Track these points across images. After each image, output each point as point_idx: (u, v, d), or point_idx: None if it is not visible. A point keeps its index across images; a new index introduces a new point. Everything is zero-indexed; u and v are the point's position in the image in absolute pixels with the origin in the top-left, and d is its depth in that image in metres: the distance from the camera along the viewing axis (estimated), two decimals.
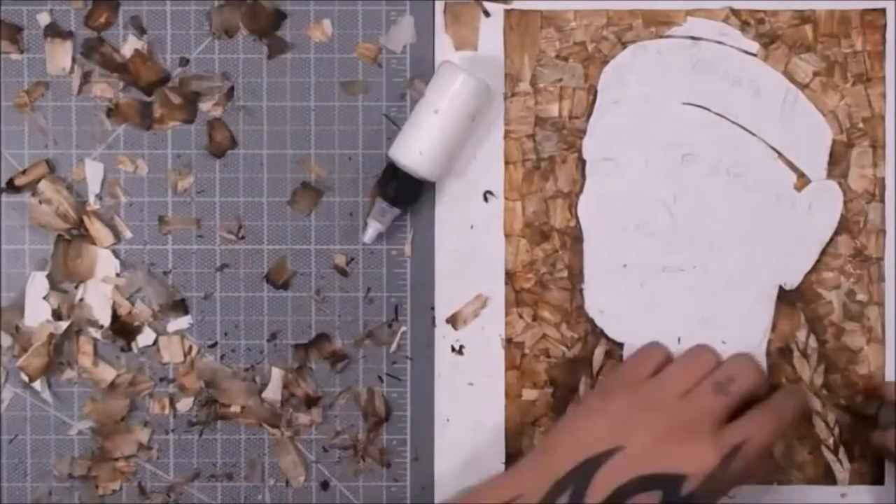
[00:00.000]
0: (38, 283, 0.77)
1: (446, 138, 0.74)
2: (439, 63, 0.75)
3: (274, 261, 0.77)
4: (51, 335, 0.76)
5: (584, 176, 0.77)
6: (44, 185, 0.76)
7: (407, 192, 0.75)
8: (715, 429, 0.67)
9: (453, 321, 0.77)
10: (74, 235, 0.77)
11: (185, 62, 0.77)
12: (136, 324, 0.77)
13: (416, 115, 0.74)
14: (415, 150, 0.74)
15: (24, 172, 0.77)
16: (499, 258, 0.78)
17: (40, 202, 0.77)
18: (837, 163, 0.77)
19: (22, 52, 0.77)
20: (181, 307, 0.77)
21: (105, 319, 0.77)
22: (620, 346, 0.77)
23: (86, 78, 0.77)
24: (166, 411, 0.77)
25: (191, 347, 0.77)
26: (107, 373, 0.77)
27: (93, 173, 0.77)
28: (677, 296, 0.77)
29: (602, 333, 0.77)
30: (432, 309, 0.77)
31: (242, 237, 0.77)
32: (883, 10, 0.77)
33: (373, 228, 0.76)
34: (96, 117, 0.77)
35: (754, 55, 0.77)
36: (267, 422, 0.77)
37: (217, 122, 0.77)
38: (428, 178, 0.75)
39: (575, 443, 0.68)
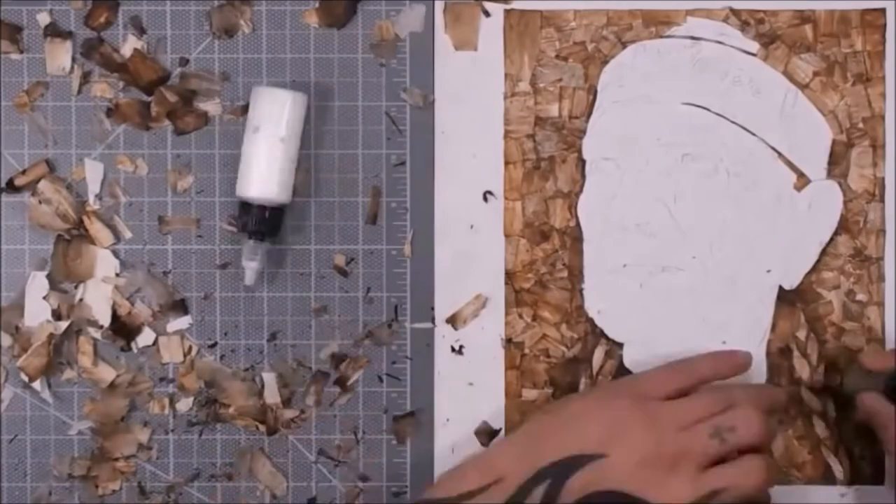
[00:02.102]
0: (38, 283, 0.77)
1: (291, 160, 0.74)
2: (252, 91, 0.75)
3: None
4: (51, 335, 0.76)
5: (584, 176, 0.77)
6: (44, 185, 0.76)
7: (266, 223, 0.75)
8: (699, 469, 0.67)
9: (453, 321, 0.77)
10: (74, 235, 0.77)
11: (185, 62, 0.77)
12: (136, 324, 0.77)
13: (244, 146, 0.74)
14: (252, 179, 0.74)
15: (23, 172, 0.77)
16: (499, 258, 0.78)
17: (40, 202, 0.77)
18: (837, 163, 0.77)
19: (22, 52, 0.77)
20: (181, 307, 0.77)
21: (105, 319, 0.77)
22: (620, 346, 0.77)
23: (86, 78, 0.77)
24: (166, 411, 0.77)
25: (190, 347, 0.77)
26: (107, 373, 0.77)
27: (93, 173, 0.77)
28: (677, 296, 0.77)
29: (602, 333, 0.77)
30: (432, 309, 0.77)
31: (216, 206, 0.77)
32: (883, 10, 0.77)
33: (249, 269, 0.75)
34: (96, 117, 0.77)
35: (754, 55, 0.77)
36: (265, 422, 0.77)
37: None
38: (276, 202, 0.74)
39: (565, 436, 0.68)
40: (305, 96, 0.75)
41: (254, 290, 0.77)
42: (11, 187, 0.77)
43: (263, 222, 0.75)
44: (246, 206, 0.75)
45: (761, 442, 0.69)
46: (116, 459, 0.77)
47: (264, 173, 0.74)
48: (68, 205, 0.77)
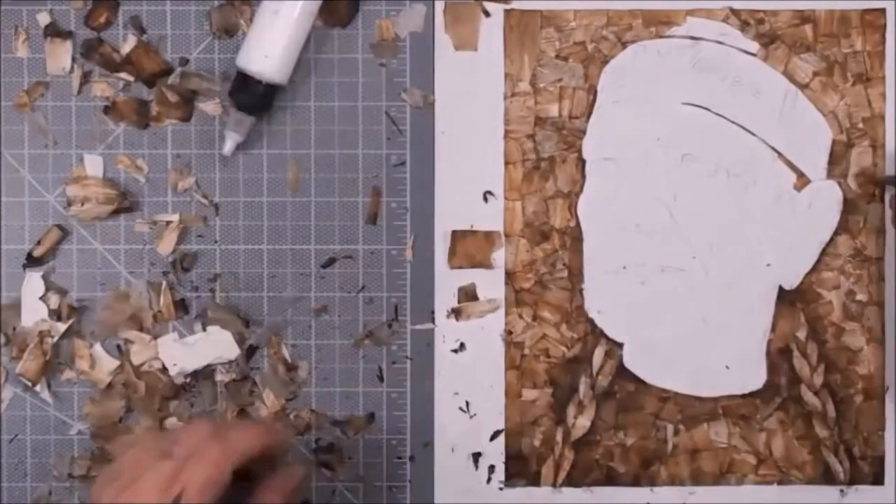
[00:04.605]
0: (33, 284, 0.76)
1: (289, 39, 0.74)
2: None
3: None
4: (41, 333, 0.75)
5: (584, 176, 0.77)
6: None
7: (259, 99, 0.75)
8: (162, 488, 0.63)
9: (457, 313, 0.77)
10: None
11: (185, 62, 0.77)
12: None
13: (257, 20, 0.74)
14: (260, 54, 0.74)
15: (39, 243, 0.76)
16: (499, 258, 0.77)
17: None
18: (837, 163, 0.77)
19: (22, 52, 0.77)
20: (181, 307, 0.77)
21: None
22: (620, 346, 0.77)
23: (86, 78, 0.77)
24: None
25: None
26: (105, 374, 0.77)
27: (92, 168, 0.77)
28: (677, 296, 0.77)
29: (602, 333, 0.77)
30: (432, 312, 0.77)
31: (216, 205, 0.77)
32: (883, 10, 0.77)
33: (230, 140, 0.75)
34: (96, 117, 0.77)
35: (754, 55, 0.77)
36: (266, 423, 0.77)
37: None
38: (276, 81, 0.74)
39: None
40: None
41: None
42: (32, 260, 0.76)
43: (257, 97, 0.75)
44: (242, 77, 0.75)
45: (204, 450, 0.64)
46: None
47: (269, 50, 0.74)
48: None
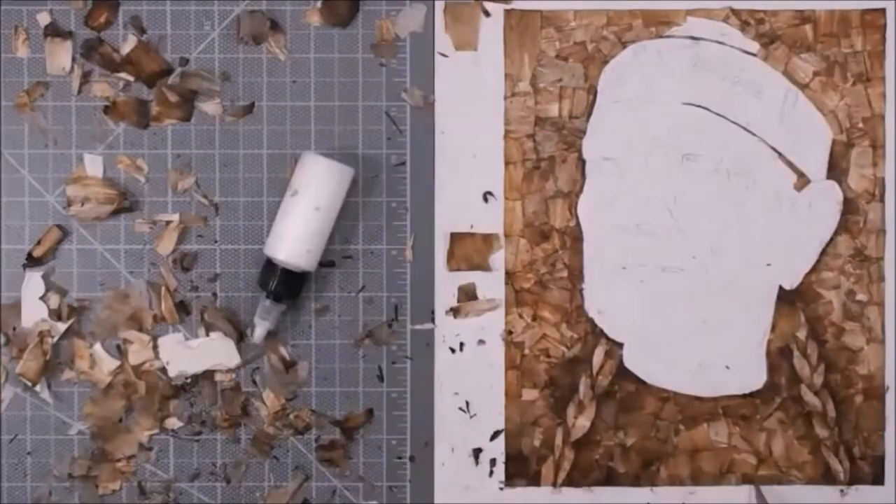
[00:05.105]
0: (34, 284, 0.76)
1: (325, 230, 0.74)
2: (301, 156, 0.75)
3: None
4: (41, 333, 0.75)
5: (584, 176, 0.77)
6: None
7: (289, 287, 0.75)
8: None
9: (456, 311, 0.77)
10: None
11: (185, 62, 0.77)
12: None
13: (290, 210, 0.74)
14: (283, 242, 0.73)
15: (39, 243, 0.76)
16: (499, 258, 0.77)
17: None
18: (837, 163, 0.77)
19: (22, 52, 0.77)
20: (181, 307, 0.77)
21: None
22: (620, 346, 0.77)
23: (86, 78, 0.77)
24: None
25: None
26: (105, 374, 0.77)
27: (92, 168, 0.77)
28: (677, 296, 0.77)
29: (602, 333, 0.77)
30: (432, 312, 0.77)
31: (216, 205, 0.77)
32: (883, 10, 0.77)
33: (260, 328, 0.75)
34: (96, 117, 0.77)
35: (754, 55, 0.77)
36: (266, 423, 0.77)
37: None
38: (302, 268, 0.74)
39: None
40: (352, 171, 0.75)
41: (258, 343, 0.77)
42: (32, 260, 0.76)
43: (285, 285, 0.74)
44: (271, 265, 0.74)
45: None
46: (117, 460, 0.77)
47: (296, 238, 0.73)
48: None
